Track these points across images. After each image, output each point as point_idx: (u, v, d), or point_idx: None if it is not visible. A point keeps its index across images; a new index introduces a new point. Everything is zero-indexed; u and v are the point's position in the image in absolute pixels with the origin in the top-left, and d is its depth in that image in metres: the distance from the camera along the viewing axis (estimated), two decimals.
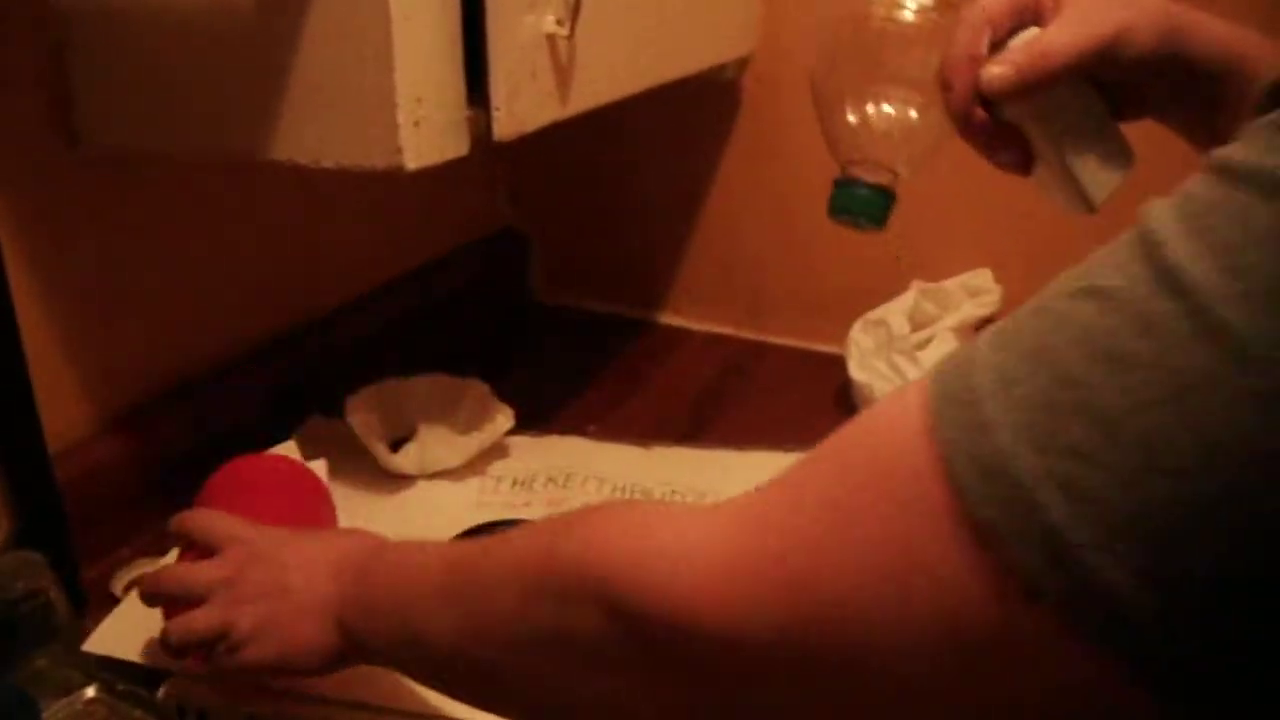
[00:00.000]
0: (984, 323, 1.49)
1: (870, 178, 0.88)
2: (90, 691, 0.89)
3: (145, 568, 1.05)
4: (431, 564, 0.73)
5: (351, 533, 0.89)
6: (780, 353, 1.61)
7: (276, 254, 1.33)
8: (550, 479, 1.23)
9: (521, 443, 1.29)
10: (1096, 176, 0.84)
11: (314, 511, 1.04)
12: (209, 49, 0.95)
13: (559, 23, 1.00)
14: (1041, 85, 0.77)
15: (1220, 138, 0.83)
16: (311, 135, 0.93)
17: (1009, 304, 1.48)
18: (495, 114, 0.96)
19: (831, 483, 0.51)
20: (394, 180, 0.92)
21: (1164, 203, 0.45)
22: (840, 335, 1.42)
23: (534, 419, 1.31)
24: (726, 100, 1.60)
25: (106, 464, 1.11)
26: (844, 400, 1.41)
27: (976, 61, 0.79)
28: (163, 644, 0.85)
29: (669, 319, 1.72)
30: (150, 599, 0.88)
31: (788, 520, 0.52)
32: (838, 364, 1.40)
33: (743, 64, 1.55)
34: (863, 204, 0.88)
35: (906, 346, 1.36)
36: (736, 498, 0.57)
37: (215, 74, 0.96)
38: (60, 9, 1.00)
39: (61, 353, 1.10)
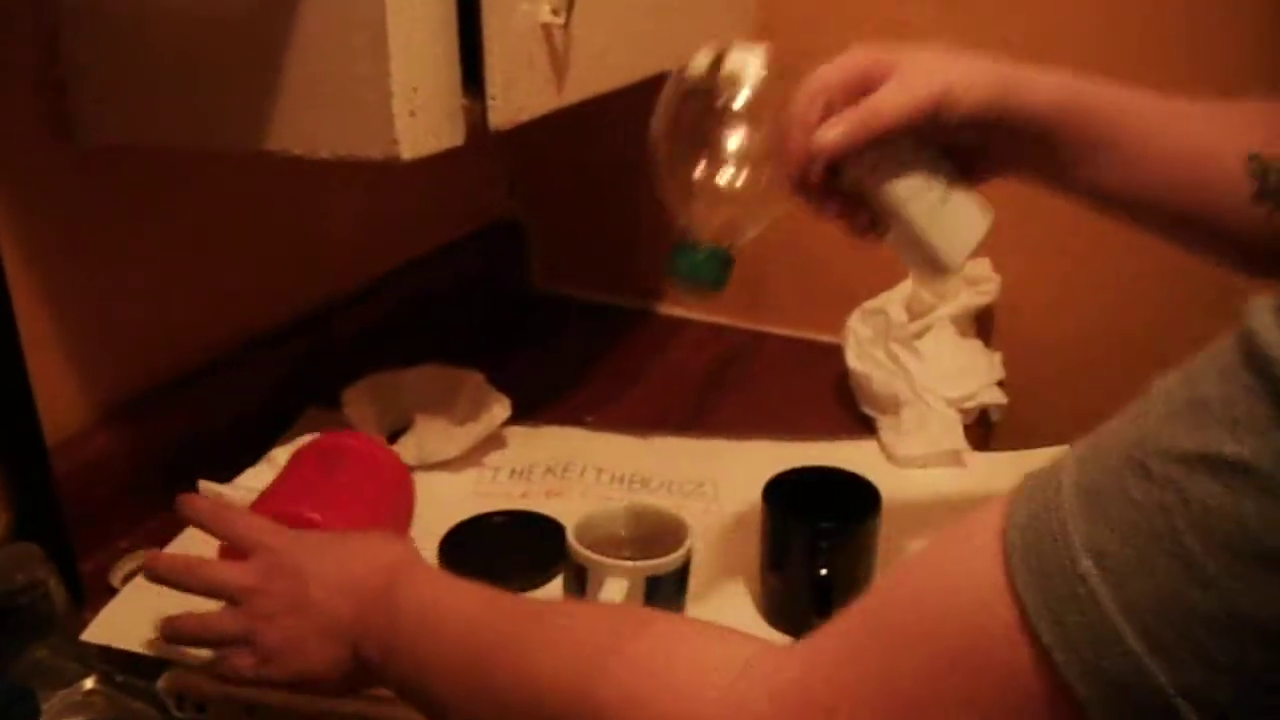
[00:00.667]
0: (982, 311, 1.49)
1: (708, 241, 0.89)
2: (89, 683, 0.90)
3: (143, 559, 1.05)
4: (459, 622, 0.72)
5: (381, 545, 0.85)
6: (779, 342, 1.61)
7: (273, 246, 1.33)
8: (548, 469, 1.23)
9: (519, 433, 1.29)
10: (950, 238, 0.85)
11: (397, 501, 1.08)
12: (203, 41, 0.95)
13: (554, 12, 1.00)
14: (871, 141, 0.80)
15: (1072, 186, 0.85)
16: (307, 126, 0.93)
17: (1007, 293, 1.48)
18: (491, 103, 0.96)
19: (908, 670, 0.47)
20: (391, 170, 0.92)
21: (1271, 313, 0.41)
22: (838, 325, 1.42)
23: (532, 409, 1.31)
24: None
25: (104, 456, 1.11)
26: (843, 389, 1.41)
27: (810, 128, 0.82)
28: (169, 632, 0.86)
29: (667, 309, 1.72)
30: (162, 582, 0.87)
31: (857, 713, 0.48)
32: (836, 353, 1.40)
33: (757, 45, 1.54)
34: (699, 269, 0.89)
35: (904, 335, 1.35)
36: (793, 658, 0.53)
37: (209, 66, 0.96)
38: (54, 3, 1.00)
39: (59, 345, 1.10)
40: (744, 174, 0.88)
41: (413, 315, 1.51)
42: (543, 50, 1.01)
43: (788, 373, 1.53)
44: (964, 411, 1.32)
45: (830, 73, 0.83)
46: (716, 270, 0.89)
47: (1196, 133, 0.84)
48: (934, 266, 0.85)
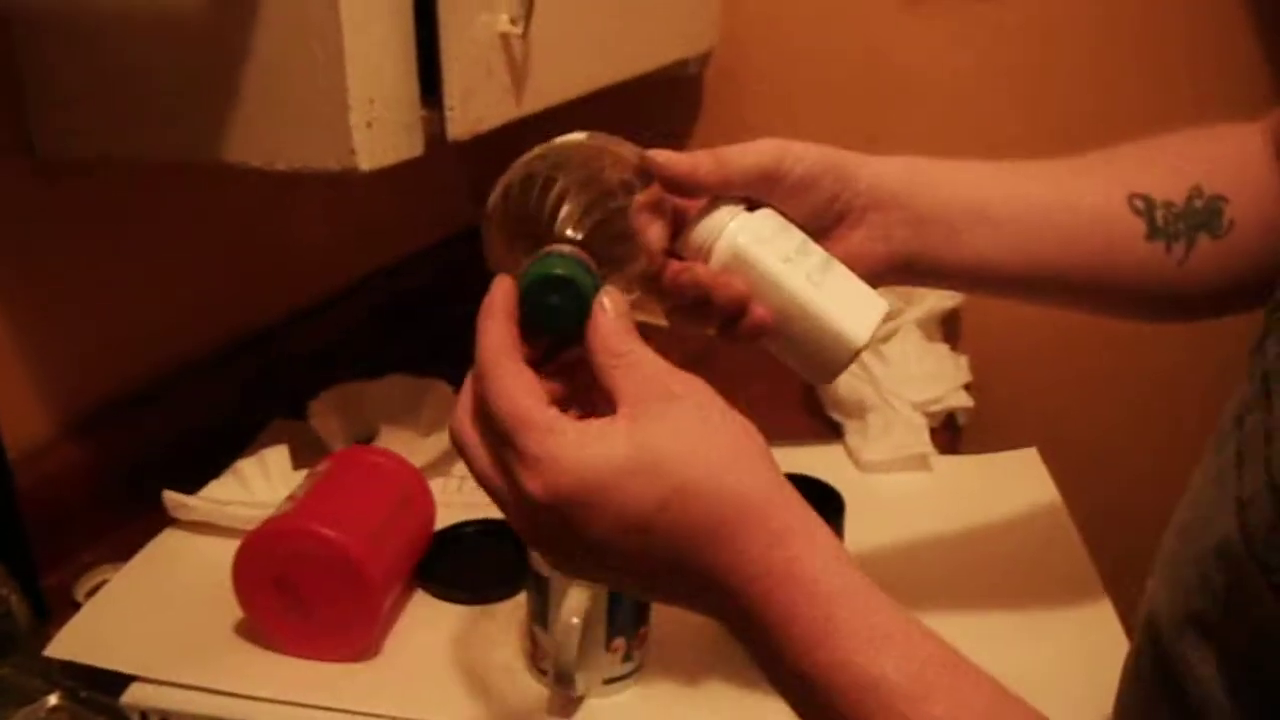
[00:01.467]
0: (949, 315, 1.50)
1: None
2: (53, 699, 0.89)
3: (108, 574, 1.05)
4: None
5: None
6: (744, 347, 1.61)
7: (238, 257, 1.33)
8: None
9: None
10: (848, 308, 0.73)
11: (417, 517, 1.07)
12: (162, 53, 0.95)
13: (513, 21, 1.00)
14: (716, 180, 0.71)
15: (955, 264, 0.79)
16: (265, 138, 0.93)
17: (973, 296, 1.48)
18: (449, 114, 0.96)
19: None
20: (352, 181, 0.92)
21: None
22: None
23: None
24: (689, 95, 1.60)
25: (67, 469, 1.11)
26: (809, 393, 1.41)
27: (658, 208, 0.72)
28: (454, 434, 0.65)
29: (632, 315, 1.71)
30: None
31: None
32: None
33: (704, 59, 1.55)
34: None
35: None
36: None
37: (168, 78, 0.96)
38: (11, 17, 1.00)
39: (20, 358, 1.09)
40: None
41: (378, 325, 1.51)
42: (501, 60, 1.01)
43: (753, 377, 1.53)
44: (930, 415, 1.33)
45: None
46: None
47: (1065, 183, 0.82)
48: (832, 347, 0.73)
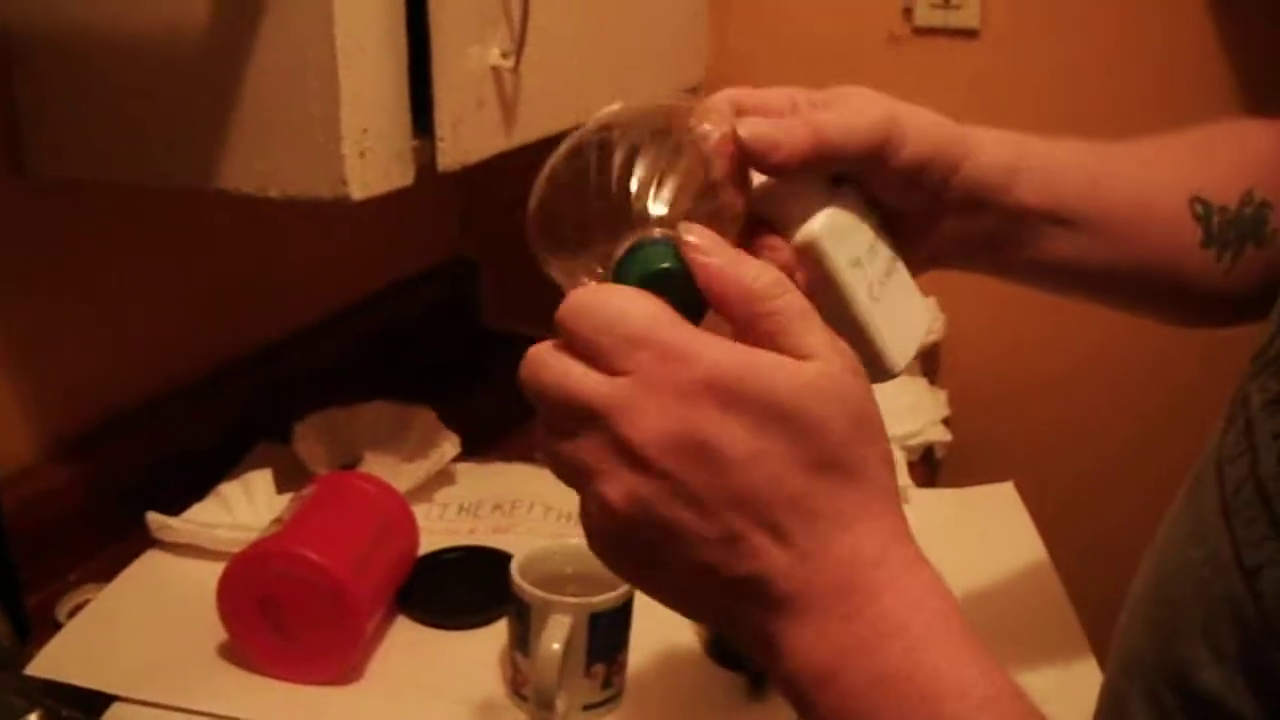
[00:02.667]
0: (928, 349, 1.51)
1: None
2: (34, 718, 0.89)
3: (91, 594, 1.06)
4: None
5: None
6: None
7: (226, 281, 1.34)
8: (496, 506, 1.24)
9: (468, 469, 1.30)
10: (893, 329, 0.68)
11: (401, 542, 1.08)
12: (158, 79, 0.96)
13: (504, 55, 1.02)
14: (805, 155, 0.63)
15: (1016, 261, 0.76)
16: (258, 165, 0.94)
17: (953, 331, 1.50)
18: (440, 145, 0.97)
19: None
20: (342, 209, 0.93)
21: None
22: None
23: (482, 446, 1.32)
24: None
25: (52, 490, 1.11)
26: None
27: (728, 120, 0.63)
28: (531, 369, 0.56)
29: None
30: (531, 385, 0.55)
31: None
32: None
33: (693, 93, 1.56)
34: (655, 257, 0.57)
35: None
36: None
37: (162, 103, 0.97)
38: (8, 39, 1.00)
39: (8, 378, 1.10)
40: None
41: (364, 351, 1.52)
42: (492, 92, 1.02)
43: None
44: (909, 449, 1.34)
45: (746, 95, 0.68)
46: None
47: (1139, 180, 0.79)
48: (869, 367, 0.62)
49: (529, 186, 0.61)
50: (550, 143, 0.62)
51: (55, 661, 0.95)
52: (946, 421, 1.40)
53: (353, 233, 1.50)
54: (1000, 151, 0.73)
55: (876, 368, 0.67)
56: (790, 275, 0.59)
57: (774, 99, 0.68)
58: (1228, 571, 0.55)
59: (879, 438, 0.53)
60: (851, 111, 0.67)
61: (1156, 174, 0.80)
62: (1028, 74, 1.46)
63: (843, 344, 0.53)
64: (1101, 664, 0.99)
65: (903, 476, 1.27)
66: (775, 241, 0.64)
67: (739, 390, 0.50)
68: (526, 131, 1.08)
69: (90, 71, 0.98)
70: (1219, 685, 0.54)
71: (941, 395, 1.44)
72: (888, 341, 0.68)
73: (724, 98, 0.66)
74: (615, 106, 0.62)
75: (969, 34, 1.46)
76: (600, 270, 0.58)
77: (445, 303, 1.71)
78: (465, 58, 0.98)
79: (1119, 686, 0.64)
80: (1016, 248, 0.76)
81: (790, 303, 0.53)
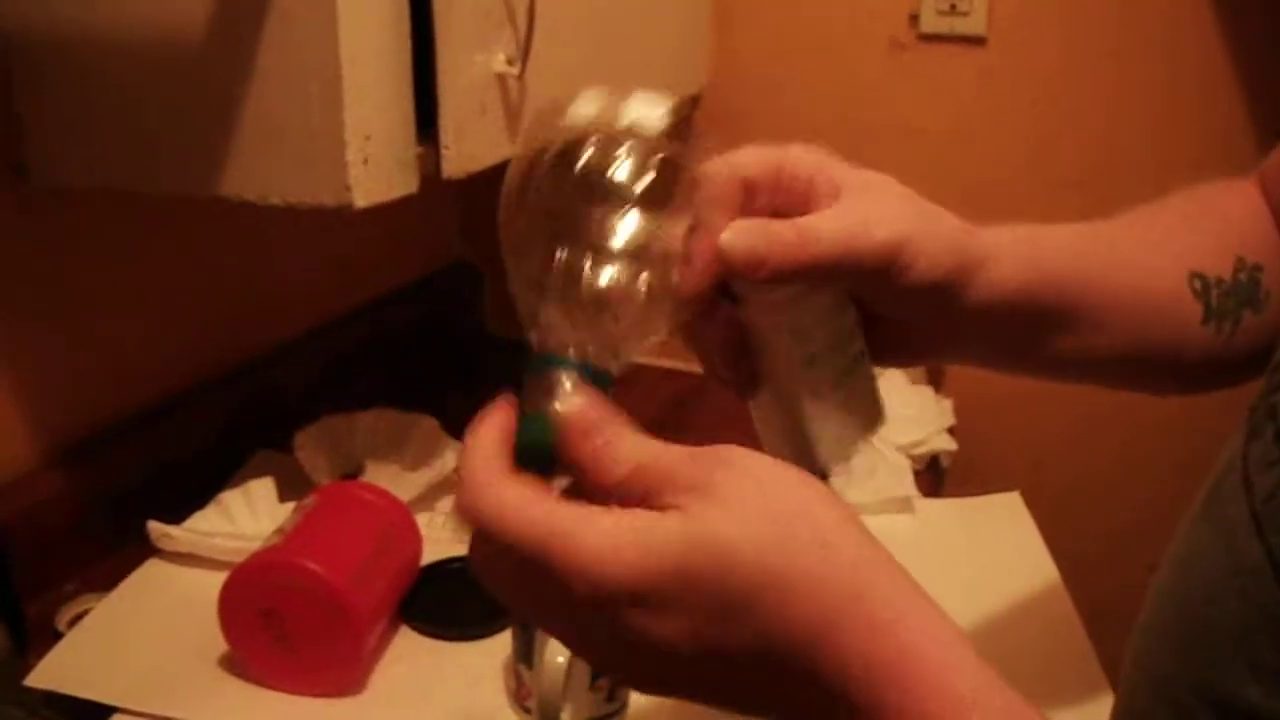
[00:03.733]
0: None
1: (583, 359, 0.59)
2: None
3: (90, 603, 1.05)
4: None
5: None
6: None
7: (227, 288, 1.33)
8: None
9: None
10: (834, 432, 0.65)
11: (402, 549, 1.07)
12: (159, 86, 0.95)
13: (509, 62, 1.01)
14: (794, 272, 0.58)
15: (1023, 363, 0.73)
16: (260, 172, 0.94)
17: None
18: (445, 152, 0.97)
19: None
20: (345, 216, 0.93)
21: None
22: None
23: None
24: (678, 137, 1.61)
25: (51, 498, 1.10)
26: None
27: (725, 216, 0.60)
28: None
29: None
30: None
31: None
32: None
33: (694, 101, 1.56)
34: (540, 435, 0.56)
35: None
36: None
37: (165, 111, 0.96)
38: (8, 45, 1.00)
39: (6, 386, 1.09)
40: (624, 271, 0.57)
41: (366, 359, 1.51)
42: (497, 100, 1.02)
43: (737, 417, 1.53)
44: (914, 458, 1.33)
45: (758, 160, 0.62)
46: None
47: (1141, 266, 0.76)
48: (802, 461, 0.63)
49: None
50: None
51: (54, 672, 0.94)
52: (952, 431, 1.39)
53: (354, 239, 1.50)
54: (1017, 265, 0.67)
55: (806, 465, 0.60)
56: (739, 349, 0.61)
57: (790, 166, 0.62)
58: (1264, 582, 0.54)
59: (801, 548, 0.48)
60: (858, 222, 0.60)
61: (1155, 257, 0.77)
62: (1034, 80, 1.45)
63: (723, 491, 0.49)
64: (1109, 674, 0.98)
65: (908, 486, 1.27)
66: (730, 314, 0.62)
67: (633, 592, 0.47)
68: None
69: (91, 77, 0.98)
70: (1260, 699, 0.54)
71: (947, 404, 1.43)
72: (820, 444, 0.64)
73: (728, 170, 0.61)
74: (594, 108, 0.58)
75: (976, 41, 1.45)
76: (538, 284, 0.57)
77: (447, 310, 1.71)
78: (470, 65, 0.98)
79: (1140, 704, 0.64)
80: (1016, 359, 0.74)
81: (651, 488, 0.49)
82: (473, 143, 1.00)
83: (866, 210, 0.61)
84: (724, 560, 0.46)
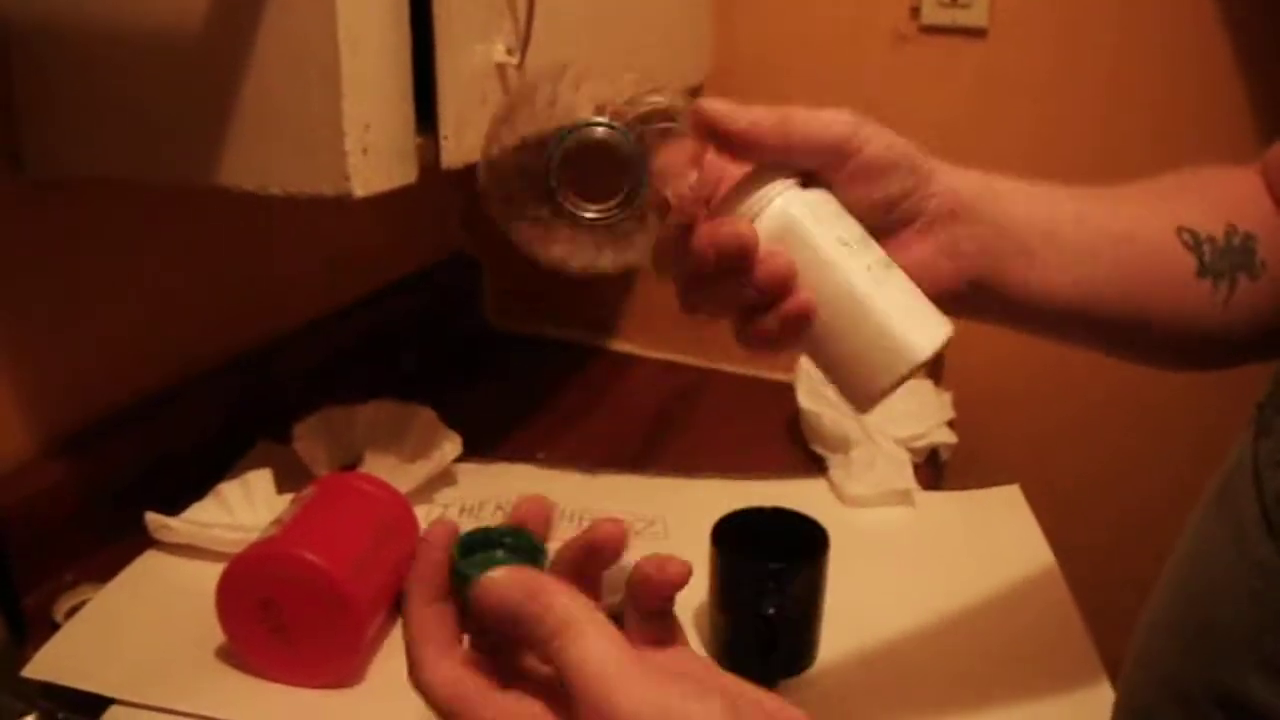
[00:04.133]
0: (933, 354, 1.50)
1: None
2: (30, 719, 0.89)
3: (88, 594, 1.05)
4: None
5: None
6: (729, 380, 1.62)
7: (225, 279, 1.33)
8: (498, 506, 1.23)
9: (470, 470, 1.29)
10: (912, 316, 0.65)
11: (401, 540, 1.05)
12: (157, 75, 0.95)
13: (509, 52, 1.01)
14: (786, 145, 0.64)
15: (1006, 291, 0.72)
16: (259, 161, 0.93)
17: (957, 333, 1.49)
18: (444, 142, 0.96)
19: None
20: (344, 206, 0.92)
21: None
22: (790, 363, 1.43)
23: (483, 446, 1.31)
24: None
25: (49, 489, 1.10)
26: (793, 428, 1.41)
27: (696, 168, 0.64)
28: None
29: (620, 345, 1.72)
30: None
31: None
32: (787, 392, 1.41)
33: (696, 92, 1.56)
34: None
35: None
36: None
37: (163, 100, 0.95)
38: (6, 33, 0.99)
39: (4, 377, 1.09)
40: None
41: (365, 350, 1.51)
42: (497, 90, 1.01)
43: (739, 410, 1.54)
44: (914, 451, 1.33)
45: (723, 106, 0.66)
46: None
47: (1122, 215, 0.76)
48: (886, 356, 0.63)
49: None
50: None
51: (52, 663, 0.94)
52: (952, 424, 1.39)
53: (354, 231, 1.49)
54: (969, 175, 0.72)
55: (898, 356, 0.63)
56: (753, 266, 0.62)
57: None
58: (1276, 581, 0.54)
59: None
60: (816, 110, 0.66)
61: (1137, 206, 0.78)
62: (1035, 73, 1.45)
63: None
64: (1108, 668, 0.98)
65: (908, 479, 1.27)
66: (747, 226, 0.63)
67: None
68: None
69: (89, 66, 0.97)
70: (1271, 698, 0.54)
71: (946, 397, 1.43)
72: (905, 321, 0.63)
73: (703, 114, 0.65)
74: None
75: (977, 33, 1.45)
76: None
77: (446, 301, 1.71)
78: (470, 54, 0.97)
79: (1144, 701, 0.64)
80: (1007, 272, 0.72)
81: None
82: (473, 133, 0.99)
83: (829, 111, 0.66)
84: None
